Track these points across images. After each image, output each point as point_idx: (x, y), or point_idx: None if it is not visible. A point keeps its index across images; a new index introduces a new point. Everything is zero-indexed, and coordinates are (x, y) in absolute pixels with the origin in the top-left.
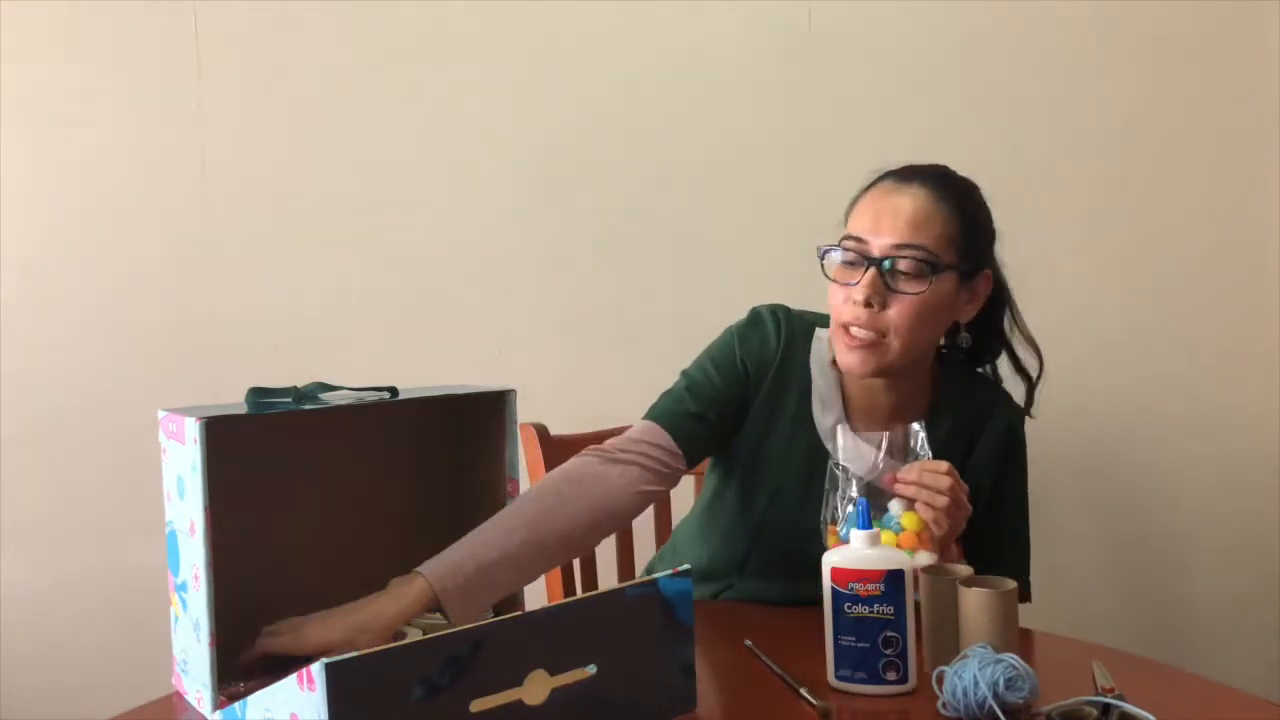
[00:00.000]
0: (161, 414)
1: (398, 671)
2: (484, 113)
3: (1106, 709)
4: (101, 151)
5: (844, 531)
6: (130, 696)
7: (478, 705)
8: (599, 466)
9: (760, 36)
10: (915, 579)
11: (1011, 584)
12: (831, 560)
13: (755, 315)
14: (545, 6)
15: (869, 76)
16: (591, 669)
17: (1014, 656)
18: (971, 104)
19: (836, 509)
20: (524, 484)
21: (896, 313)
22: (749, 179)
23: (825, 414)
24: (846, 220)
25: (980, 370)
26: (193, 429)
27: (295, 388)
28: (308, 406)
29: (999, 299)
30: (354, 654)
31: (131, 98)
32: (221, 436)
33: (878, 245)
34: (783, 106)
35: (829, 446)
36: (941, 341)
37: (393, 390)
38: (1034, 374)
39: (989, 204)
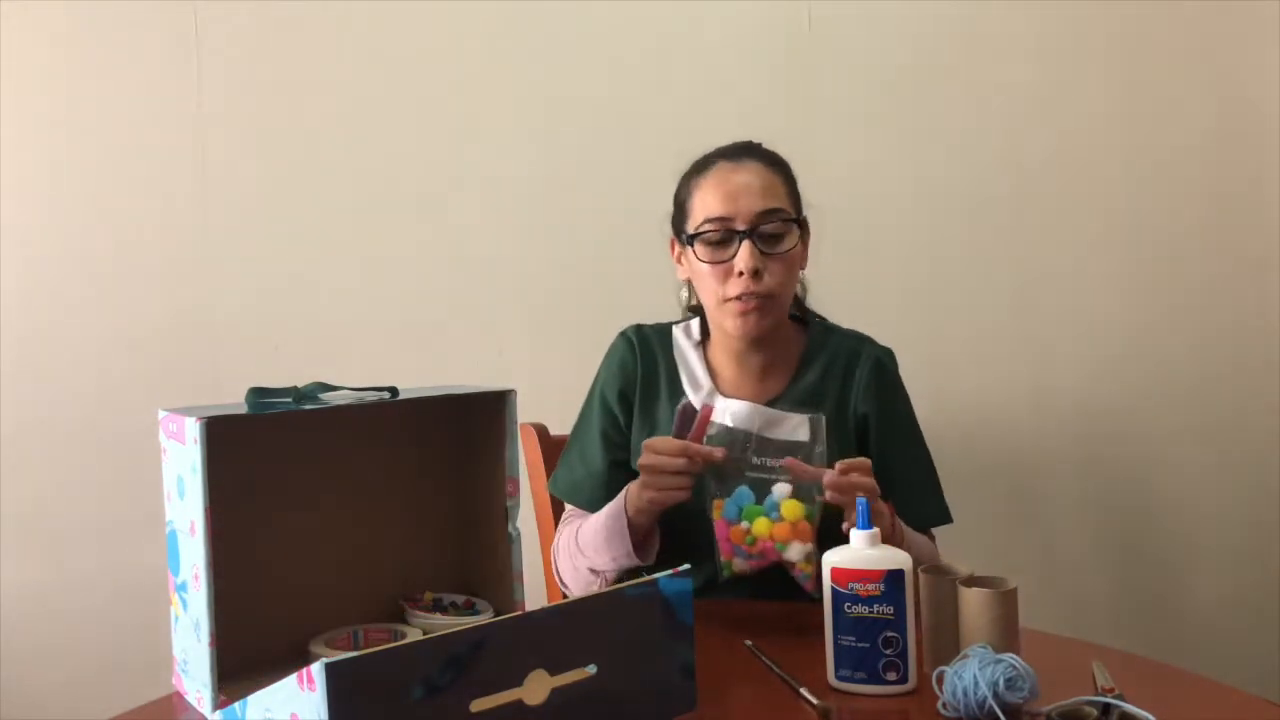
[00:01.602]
0: (161, 414)
1: (398, 671)
2: (484, 113)
3: (1106, 709)
4: (101, 151)
5: (728, 509)
6: (130, 696)
7: (478, 705)
8: None
9: (760, 37)
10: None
11: (1012, 584)
12: (831, 560)
13: (611, 350)
14: (545, 7)
15: (869, 76)
16: (591, 669)
17: (1014, 656)
18: (971, 104)
19: (714, 485)
20: (524, 484)
21: (773, 274)
22: None
23: (696, 390)
24: (685, 210)
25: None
26: (193, 429)
27: (295, 388)
28: (308, 406)
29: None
30: (354, 654)
31: (131, 98)
32: (221, 436)
33: (742, 218)
34: (783, 106)
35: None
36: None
37: (393, 390)
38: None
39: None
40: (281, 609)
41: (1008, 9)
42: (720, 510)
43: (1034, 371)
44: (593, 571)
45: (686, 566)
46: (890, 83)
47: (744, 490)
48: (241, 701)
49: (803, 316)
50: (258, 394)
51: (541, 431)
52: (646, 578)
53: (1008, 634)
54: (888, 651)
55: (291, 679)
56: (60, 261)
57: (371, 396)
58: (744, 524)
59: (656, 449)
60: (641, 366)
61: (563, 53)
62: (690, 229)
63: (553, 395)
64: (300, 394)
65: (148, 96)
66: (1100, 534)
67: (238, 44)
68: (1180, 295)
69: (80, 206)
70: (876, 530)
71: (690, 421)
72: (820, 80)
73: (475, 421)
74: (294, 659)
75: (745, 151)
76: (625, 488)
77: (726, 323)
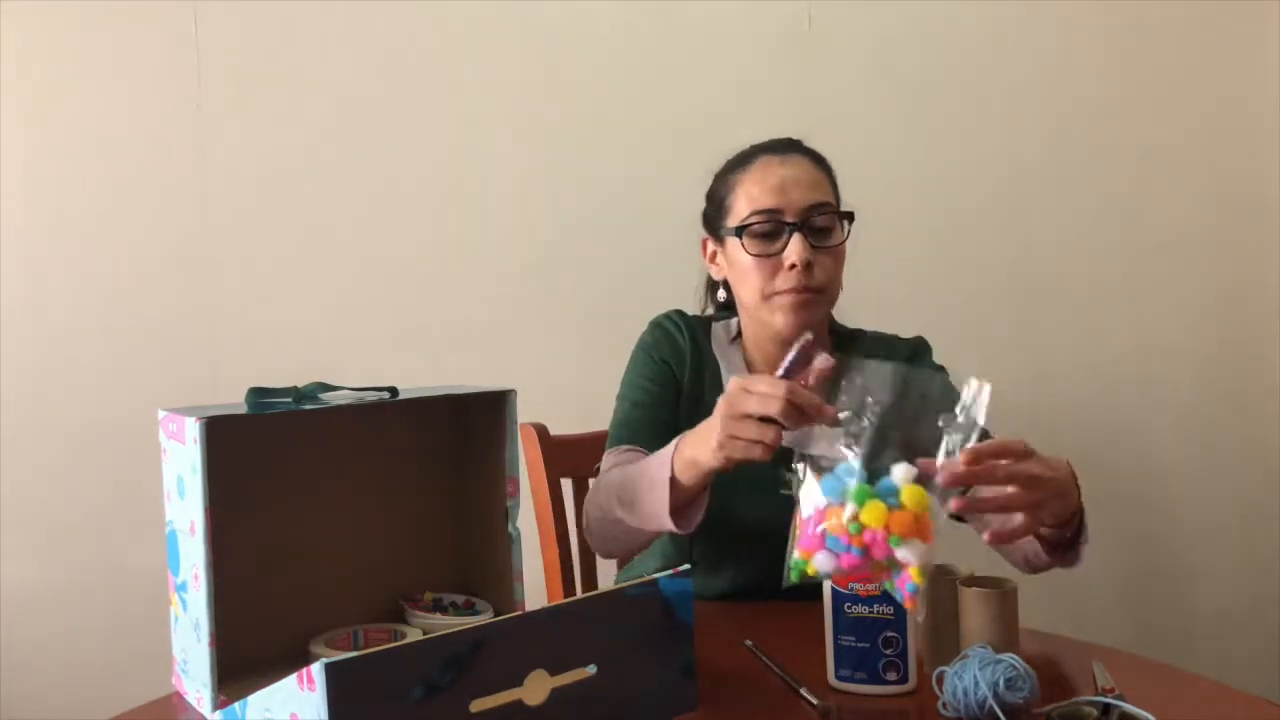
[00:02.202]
0: (161, 414)
1: (398, 671)
2: (484, 113)
3: (1106, 709)
4: (102, 151)
5: (826, 485)
6: (130, 696)
7: (478, 705)
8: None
9: (760, 36)
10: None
11: (1012, 584)
12: None
13: (656, 325)
14: (545, 7)
15: (869, 76)
16: (591, 669)
17: (1014, 656)
18: (971, 104)
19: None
20: (524, 484)
21: (823, 267)
22: None
23: None
24: (724, 206)
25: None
26: (193, 429)
27: (295, 388)
28: (308, 406)
29: None
30: (354, 654)
31: (131, 98)
32: (221, 436)
33: (792, 210)
34: (783, 106)
35: None
36: None
37: (393, 390)
38: None
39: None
40: (281, 609)
41: (1008, 9)
42: (803, 489)
43: (1033, 371)
44: (618, 526)
45: (686, 566)
46: (890, 83)
47: (850, 465)
48: (241, 701)
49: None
50: (258, 394)
51: (541, 431)
52: (646, 578)
53: (1008, 634)
54: (888, 651)
55: (291, 679)
56: (60, 261)
57: (371, 396)
58: (850, 507)
59: (751, 388)
60: (690, 349)
61: (563, 53)
62: (733, 223)
63: (553, 395)
64: (300, 394)
65: (148, 96)
66: (1100, 534)
67: (238, 44)
68: (1180, 295)
69: (80, 206)
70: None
71: (807, 362)
72: (820, 80)
73: (475, 421)
74: (294, 659)
75: (789, 146)
76: (677, 438)
77: (775, 318)
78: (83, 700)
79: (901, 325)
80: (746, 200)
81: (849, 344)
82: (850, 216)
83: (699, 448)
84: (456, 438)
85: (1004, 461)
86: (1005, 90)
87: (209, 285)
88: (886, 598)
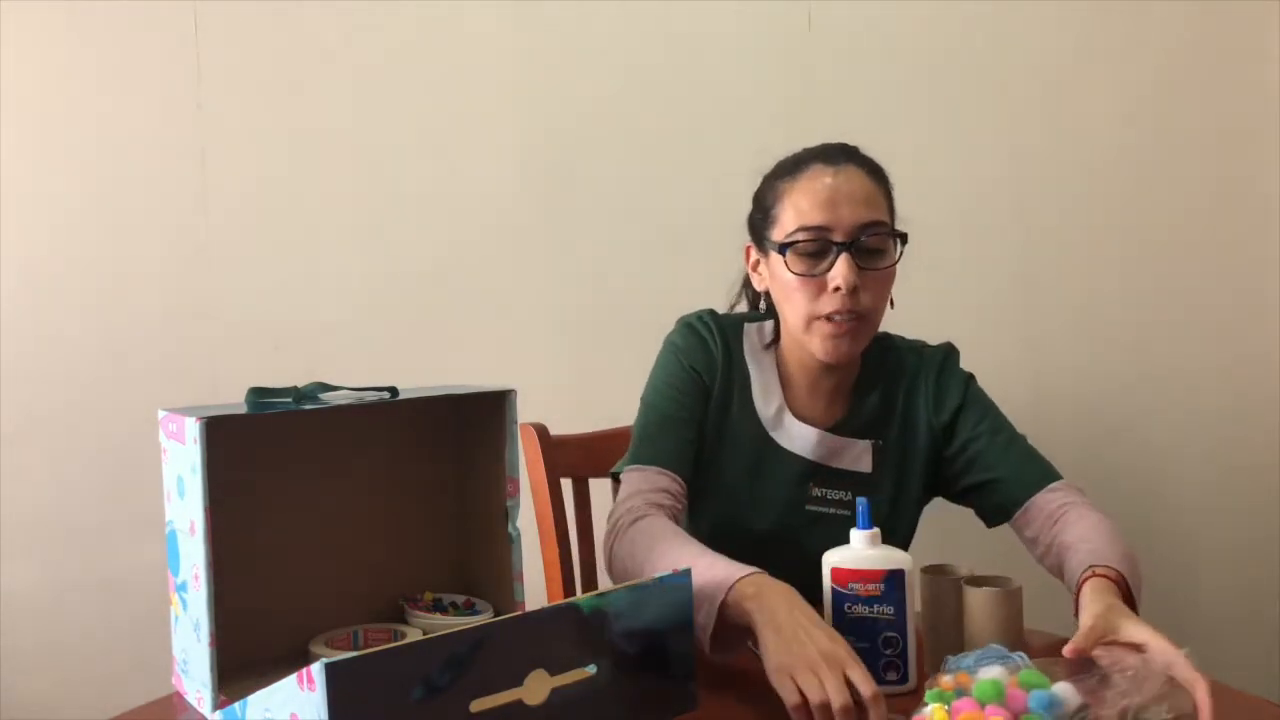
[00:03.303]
0: (161, 414)
1: (398, 671)
2: (484, 112)
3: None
4: (101, 151)
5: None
6: (130, 696)
7: (478, 705)
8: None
9: (760, 36)
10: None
11: (1017, 584)
12: (831, 560)
13: (687, 326)
14: (545, 7)
15: (869, 76)
16: (591, 669)
17: (1022, 655)
18: (971, 104)
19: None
20: (524, 484)
21: (870, 291)
22: (749, 179)
23: (767, 403)
24: (771, 216)
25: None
26: (193, 429)
27: (295, 388)
28: (308, 406)
29: None
30: (354, 654)
31: (131, 98)
32: (221, 436)
33: (842, 229)
34: (783, 106)
35: (773, 435)
36: None
37: (393, 390)
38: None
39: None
40: (281, 609)
41: (1008, 9)
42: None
43: (1034, 371)
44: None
45: (686, 567)
46: (890, 83)
47: (1048, 695)
48: (241, 701)
49: None
50: (258, 394)
51: (541, 431)
52: (646, 578)
53: (1012, 634)
54: (888, 651)
55: (291, 679)
56: (60, 261)
57: (371, 396)
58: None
59: (833, 688)
60: (723, 356)
61: (563, 53)
62: (779, 237)
63: (553, 395)
64: (300, 394)
65: (148, 96)
66: None
67: (238, 44)
68: (1181, 294)
69: (80, 206)
70: (876, 530)
71: None
72: (820, 80)
73: (475, 421)
74: (294, 659)
75: (844, 154)
76: (748, 574)
77: (814, 343)
78: (83, 700)
79: (901, 325)
80: (794, 213)
81: (880, 352)
82: (904, 237)
83: (762, 627)
84: (456, 438)
85: None
86: (1006, 90)
87: (209, 285)
88: (886, 598)
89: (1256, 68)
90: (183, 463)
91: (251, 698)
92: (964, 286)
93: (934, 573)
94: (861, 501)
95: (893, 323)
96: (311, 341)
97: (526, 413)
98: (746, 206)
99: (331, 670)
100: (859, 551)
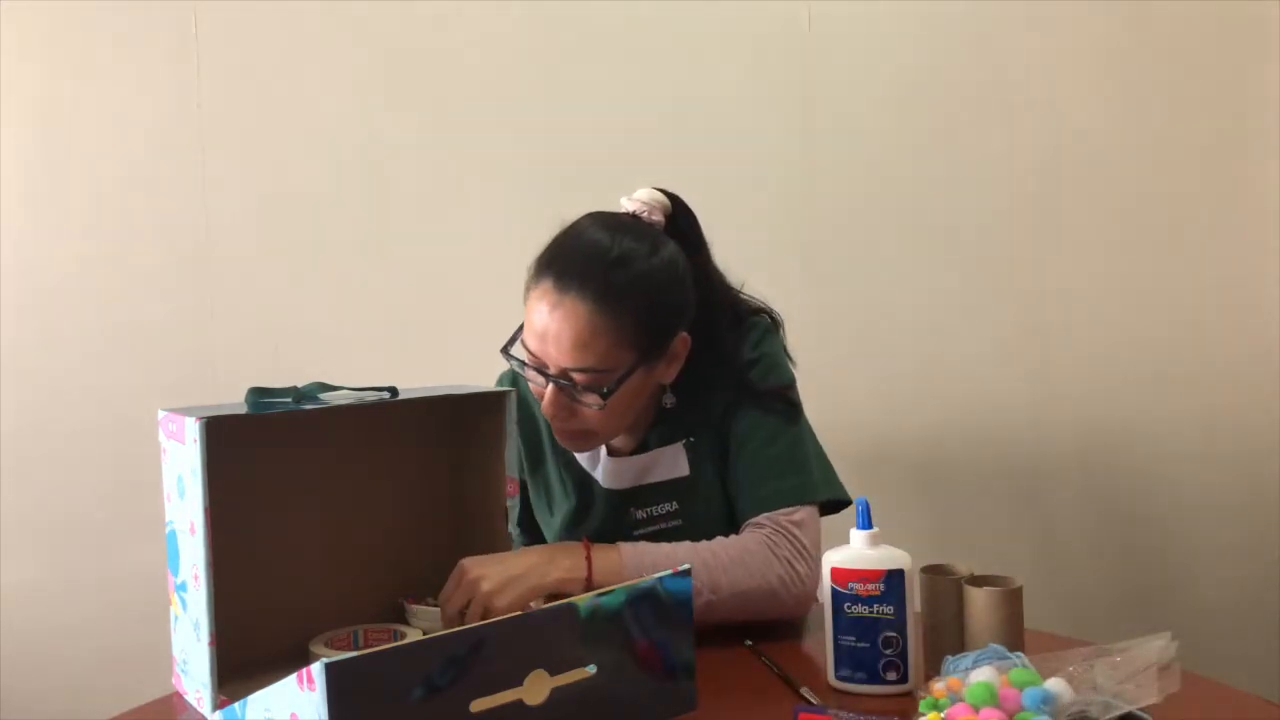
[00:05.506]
0: (161, 414)
1: (398, 671)
2: (484, 113)
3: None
4: (102, 151)
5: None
6: (130, 696)
7: (478, 705)
8: None
9: (760, 37)
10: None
11: (1018, 583)
12: (831, 560)
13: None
14: (546, 7)
15: (869, 76)
16: (591, 669)
17: (1021, 655)
18: (971, 104)
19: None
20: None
21: (583, 417)
22: (749, 179)
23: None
24: (526, 298)
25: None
26: (193, 429)
27: (295, 388)
28: (308, 406)
29: (711, 329)
30: (354, 654)
31: (131, 98)
32: (221, 436)
33: (552, 365)
34: (783, 106)
35: (593, 474)
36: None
37: (393, 390)
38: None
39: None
40: (281, 609)
41: (1008, 10)
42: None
43: (1035, 372)
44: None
45: (686, 566)
46: (890, 83)
47: (1041, 691)
48: (241, 701)
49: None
50: (258, 394)
51: None
52: (646, 578)
53: (1012, 634)
54: (888, 651)
55: (291, 679)
56: (60, 261)
57: (371, 396)
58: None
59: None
60: (523, 420)
61: (562, 53)
62: (522, 334)
63: None
64: (300, 394)
65: (148, 96)
66: (1100, 534)
67: (238, 44)
68: (1181, 295)
69: (80, 206)
70: (876, 530)
71: None
72: (820, 80)
73: (475, 421)
74: (294, 659)
75: (573, 279)
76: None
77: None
78: (82, 700)
79: (901, 324)
80: (527, 322)
81: (674, 410)
82: (613, 377)
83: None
84: (456, 438)
85: None
86: (1005, 90)
87: (209, 285)
88: (886, 597)
89: (1256, 68)
90: (183, 463)
91: (251, 698)
92: (962, 284)
93: (934, 573)
94: (861, 501)
95: (893, 319)
96: (311, 341)
97: None
98: (746, 205)
99: (331, 670)
100: (859, 551)
